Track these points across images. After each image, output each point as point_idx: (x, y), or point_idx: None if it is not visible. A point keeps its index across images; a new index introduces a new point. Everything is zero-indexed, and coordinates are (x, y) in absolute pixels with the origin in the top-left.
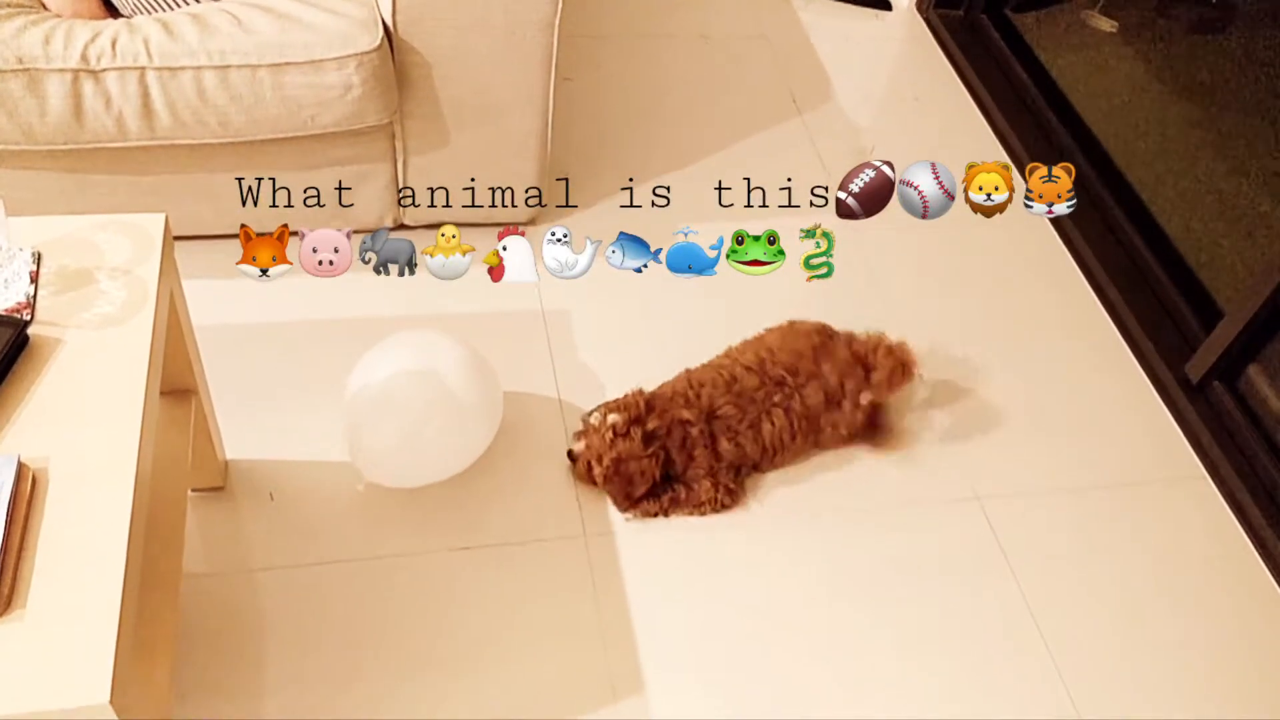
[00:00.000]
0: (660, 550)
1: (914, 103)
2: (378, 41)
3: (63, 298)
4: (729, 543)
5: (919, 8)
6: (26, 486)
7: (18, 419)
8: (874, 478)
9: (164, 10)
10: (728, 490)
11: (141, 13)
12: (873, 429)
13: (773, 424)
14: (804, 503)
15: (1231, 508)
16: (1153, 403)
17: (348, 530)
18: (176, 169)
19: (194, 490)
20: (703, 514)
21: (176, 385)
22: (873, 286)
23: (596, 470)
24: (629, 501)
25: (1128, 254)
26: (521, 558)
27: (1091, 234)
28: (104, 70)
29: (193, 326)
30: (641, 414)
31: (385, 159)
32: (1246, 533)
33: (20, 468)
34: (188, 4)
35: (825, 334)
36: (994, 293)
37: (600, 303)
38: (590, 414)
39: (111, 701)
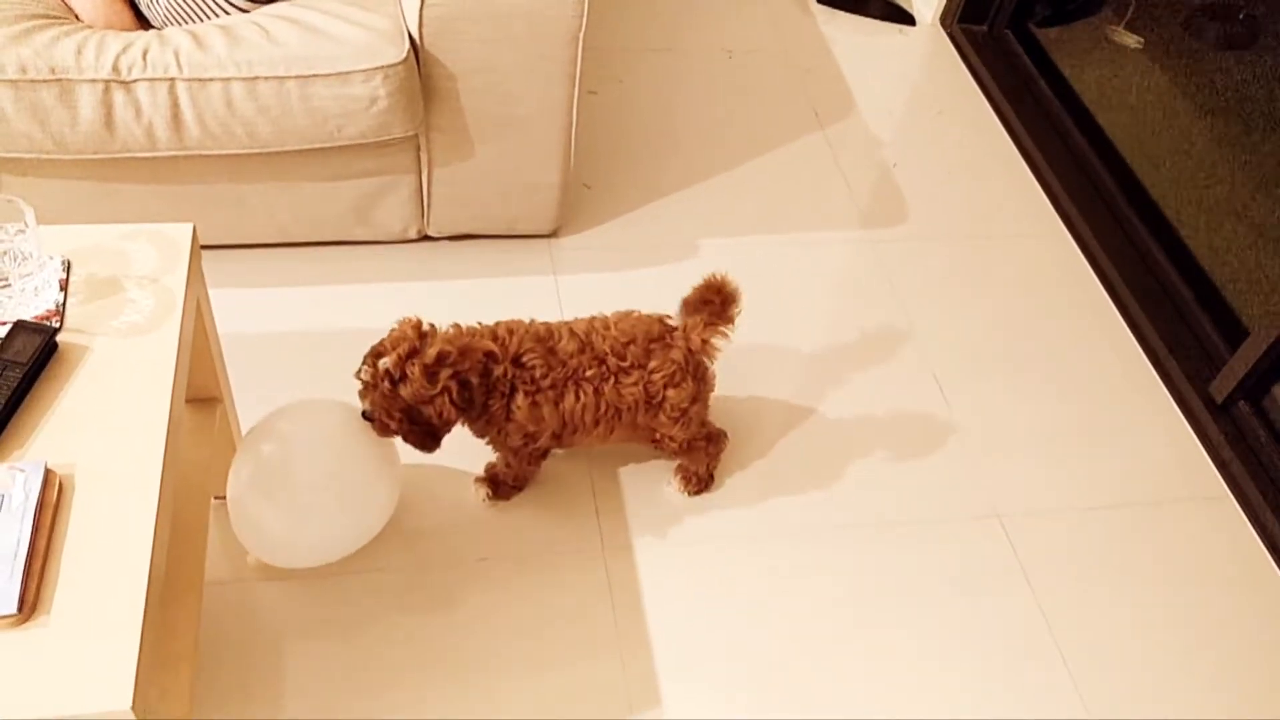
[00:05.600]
0: (678, 564)
1: (937, 118)
2: (404, 54)
3: (91, 306)
4: (747, 556)
5: (943, 22)
6: (53, 493)
7: (45, 425)
8: (893, 493)
9: (194, 22)
10: (528, 460)
11: (172, 24)
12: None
13: (577, 398)
14: (823, 517)
15: (1255, 528)
16: (1176, 422)
17: (370, 539)
18: (205, 179)
19: (217, 498)
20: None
21: (201, 393)
22: (895, 300)
23: (392, 426)
24: (437, 444)
25: (1151, 271)
26: (540, 570)
27: (1115, 250)
28: (135, 81)
29: (219, 335)
30: (416, 346)
31: (410, 170)
32: (1270, 553)
33: (47, 474)
34: (218, 16)
35: (665, 326)
36: (1016, 308)
37: None
38: (360, 369)
39: (133, 707)
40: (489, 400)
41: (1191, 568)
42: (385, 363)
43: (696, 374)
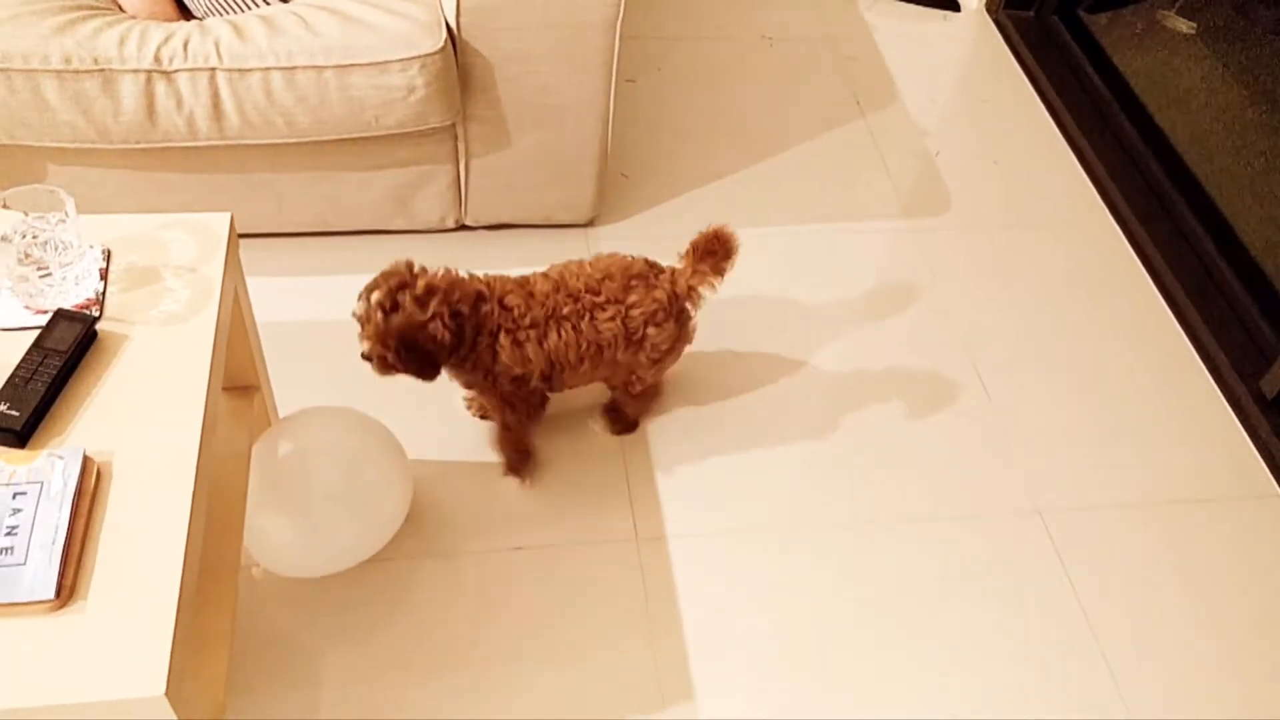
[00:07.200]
0: (713, 555)
1: (982, 106)
2: (441, 43)
3: (130, 295)
4: (782, 549)
5: (988, 9)
6: (91, 480)
7: (84, 413)
8: (932, 487)
9: (234, 12)
10: (525, 412)
11: (213, 14)
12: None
13: (559, 335)
14: (860, 510)
15: None
16: (1225, 417)
17: (404, 528)
18: (244, 168)
19: None
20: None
21: (239, 381)
22: (936, 291)
23: (390, 358)
24: (436, 371)
25: (1201, 262)
26: (574, 559)
27: (1163, 240)
28: (176, 71)
29: (256, 324)
30: (407, 279)
31: (448, 160)
32: None
33: (86, 461)
34: (258, 6)
35: (650, 266)
36: (1061, 300)
37: None
38: (355, 306)
39: (167, 693)
40: (478, 337)
41: (1239, 566)
42: (378, 295)
43: (679, 317)
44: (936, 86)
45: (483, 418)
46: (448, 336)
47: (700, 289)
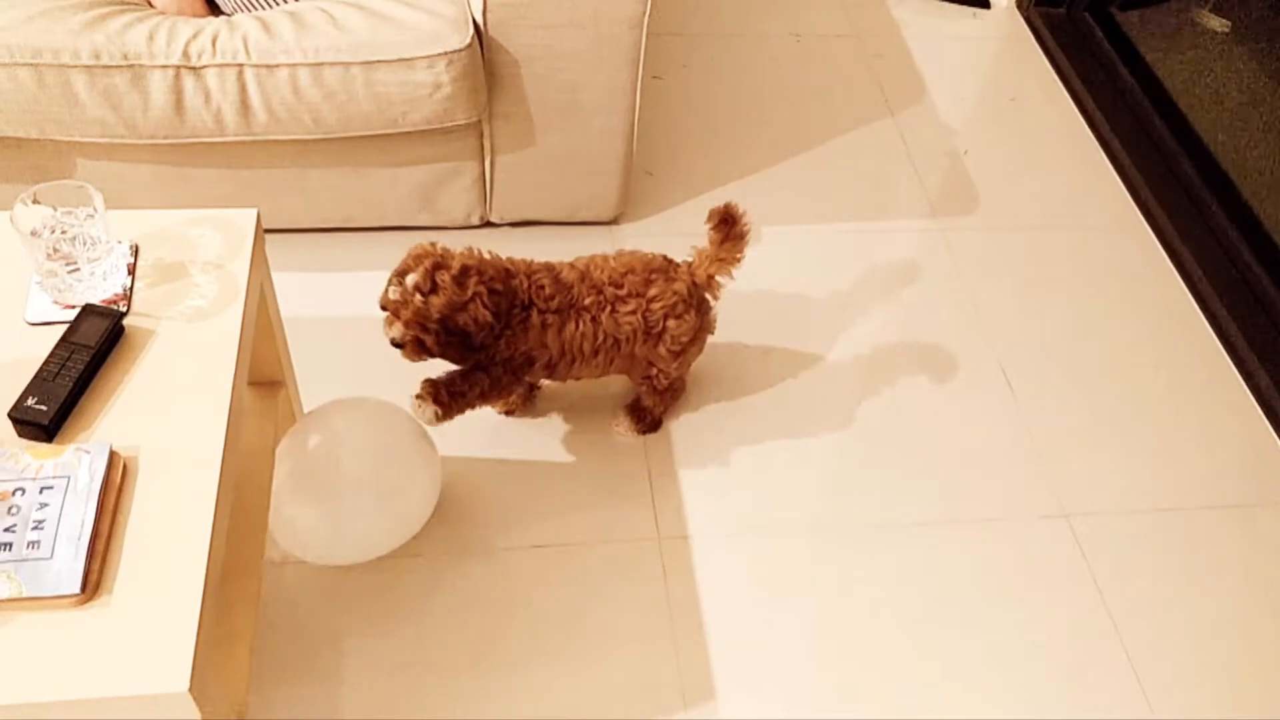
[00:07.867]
0: (735, 554)
1: (1011, 104)
2: (468, 40)
3: (157, 290)
4: (806, 550)
5: (1019, 6)
6: (117, 474)
7: (111, 407)
8: (958, 489)
9: (263, 9)
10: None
11: (241, 11)
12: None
13: (577, 326)
14: (885, 513)
15: None
16: (1258, 423)
17: (426, 525)
18: (271, 164)
19: None
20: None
21: (265, 377)
22: (964, 291)
23: (428, 341)
24: (474, 353)
25: (1233, 263)
26: (595, 558)
27: (1197, 243)
28: (204, 67)
29: (282, 319)
30: (440, 260)
31: (474, 157)
32: None
33: (112, 455)
34: (286, 2)
35: (669, 260)
36: (1090, 303)
37: None
38: (386, 291)
39: (190, 690)
40: (512, 309)
41: (1270, 572)
42: (413, 277)
43: (700, 308)
44: (965, 84)
45: (508, 414)
46: (488, 315)
47: (719, 278)
